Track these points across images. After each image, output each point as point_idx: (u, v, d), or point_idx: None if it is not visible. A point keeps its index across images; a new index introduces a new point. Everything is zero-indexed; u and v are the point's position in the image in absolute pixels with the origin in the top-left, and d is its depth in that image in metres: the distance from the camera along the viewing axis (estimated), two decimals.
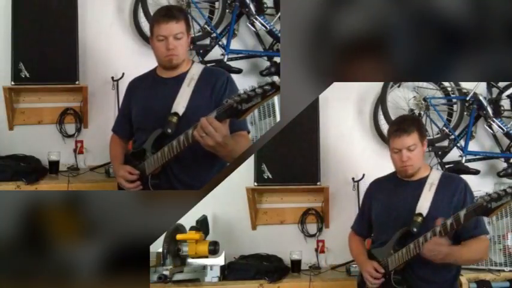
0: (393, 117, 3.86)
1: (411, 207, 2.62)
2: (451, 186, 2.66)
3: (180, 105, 2.54)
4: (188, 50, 2.69)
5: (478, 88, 3.98)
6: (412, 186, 2.68)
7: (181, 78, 2.60)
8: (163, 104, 2.56)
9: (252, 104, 2.22)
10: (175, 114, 2.53)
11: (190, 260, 3.41)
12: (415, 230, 2.56)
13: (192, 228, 3.37)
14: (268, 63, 3.87)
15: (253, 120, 3.76)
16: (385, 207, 2.73)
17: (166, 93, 2.59)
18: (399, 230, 2.62)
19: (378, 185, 2.87)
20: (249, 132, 2.67)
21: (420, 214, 2.58)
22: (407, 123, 2.68)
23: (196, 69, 2.63)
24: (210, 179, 2.64)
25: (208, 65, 3.80)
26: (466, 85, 4.01)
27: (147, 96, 2.65)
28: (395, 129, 2.68)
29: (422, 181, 2.67)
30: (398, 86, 3.97)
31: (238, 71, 3.84)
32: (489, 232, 2.79)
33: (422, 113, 3.96)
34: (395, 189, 2.73)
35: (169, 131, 2.51)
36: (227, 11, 3.87)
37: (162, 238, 3.22)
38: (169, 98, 2.57)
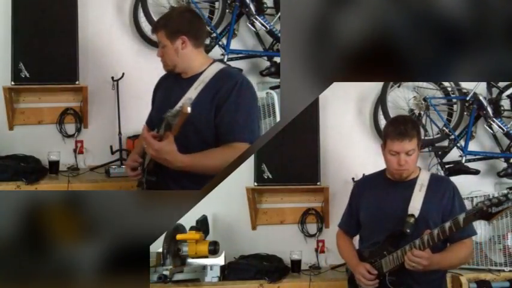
0: None
1: (403, 208, 2.59)
2: (441, 188, 2.64)
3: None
4: None
5: (478, 88, 3.98)
6: (402, 187, 2.65)
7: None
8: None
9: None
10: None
11: (190, 260, 3.41)
12: (408, 230, 2.53)
13: (192, 228, 3.37)
14: (268, 63, 3.87)
15: None
16: (376, 208, 2.69)
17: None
18: (391, 230, 2.60)
19: (365, 183, 2.85)
20: (249, 142, 2.47)
21: (412, 215, 2.55)
22: (409, 127, 2.60)
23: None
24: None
25: None
26: (466, 85, 4.01)
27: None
28: (397, 132, 2.59)
29: (412, 182, 2.64)
30: (398, 86, 3.97)
31: (239, 71, 3.83)
32: (477, 232, 2.76)
33: (422, 113, 3.96)
34: (385, 190, 2.69)
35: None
36: (227, 11, 3.87)
37: (162, 238, 3.22)
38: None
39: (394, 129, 2.61)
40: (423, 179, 2.65)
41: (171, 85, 2.59)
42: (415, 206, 2.58)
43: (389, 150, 2.60)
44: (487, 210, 2.28)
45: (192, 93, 2.47)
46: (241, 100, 2.45)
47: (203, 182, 2.53)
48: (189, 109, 2.19)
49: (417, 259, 2.46)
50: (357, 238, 2.87)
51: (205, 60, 2.57)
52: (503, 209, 2.26)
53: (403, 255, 2.52)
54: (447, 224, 2.41)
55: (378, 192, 2.71)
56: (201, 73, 2.52)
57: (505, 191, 2.36)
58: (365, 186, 2.83)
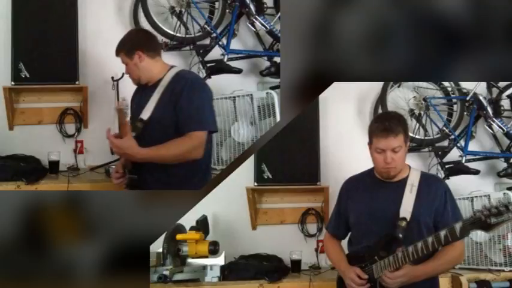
0: None
1: (394, 210, 2.51)
2: (432, 188, 2.55)
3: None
4: None
5: (478, 88, 3.97)
6: (392, 187, 2.56)
7: None
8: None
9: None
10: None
11: (190, 260, 3.41)
12: (400, 235, 2.45)
13: (192, 228, 3.37)
14: (268, 63, 3.87)
15: (253, 120, 3.76)
16: (365, 210, 2.60)
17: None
18: (382, 234, 2.52)
19: (353, 184, 2.73)
20: (205, 130, 2.73)
21: (404, 218, 2.47)
22: (395, 123, 2.50)
23: None
24: (185, 175, 2.78)
25: (208, 65, 3.81)
26: (466, 85, 4.01)
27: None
28: (381, 128, 2.49)
29: (402, 182, 2.56)
30: (398, 86, 3.97)
31: (238, 71, 3.84)
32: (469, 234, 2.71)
33: (422, 113, 3.96)
34: (374, 191, 2.60)
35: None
36: (227, 11, 3.86)
37: (162, 238, 3.22)
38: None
39: (378, 126, 2.53)
40: (413, 179, 2.56)
41: (140, 95, 2.90)
42: (407, 208, 2.50)
43: (375, 147, 2.51)
44: (485, 221, 2.18)
45: (155, 97, 2.80)
46: (192, 95, 2.74)
47: (172, 172, 2.76)
48: (119, 105, 2.74)
49: (397, 280, 2.42)
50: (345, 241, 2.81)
51: (163, 67, 2.88)
52: (503, 221, 2.15)
53: (395, 262, 2.45)
54: (442, 233, 2.33)
55: (368, 194, 2.62)
56: (161, 79, 2.83)
57: (505, 201, 2.22)
58: (353, 187, 2.72)
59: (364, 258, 2.57)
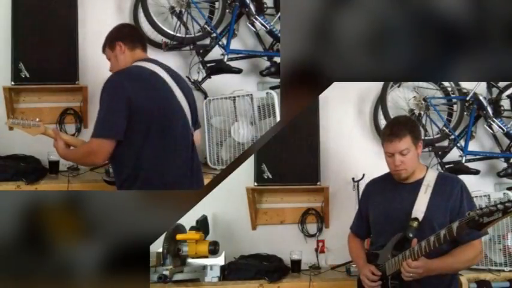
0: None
1: (407, 211, 2.60)
2: (447, 188, 2.63)
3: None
4: None
5: (478, 88, 3.97)
6: (408, 189, 2.66)
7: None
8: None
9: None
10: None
11: (190, 260, 3.41)
12: (411, 235, 2.54)
13: (192, 228, 3.37)
14: (268, 63, 3.87)
15: (253, 120, 3.76)
16: (382, 211, 2.72)
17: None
18: (396, 234, 2.61)
19: (374, 185, 2.86)
20: (100, 137, 2.72)
21: (416, 219, 2.56)
22: (400, 127, 2.64)
23: None
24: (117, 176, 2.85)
25: (208, 65, 3.81)
26: (466, 85, 4.01)
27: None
28: (388, 133, 2.66)
29: (418, 183, 2.65)
30: (398, 86, 3.97)
31: (238, 71, 3.83)
32: (488, 232, 2.74)
33: (422, 113, 3.96)
34: (391, 192, 2.71)
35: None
36: (227, 11, 3.86)
37: (162, 238, 3.22)
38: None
39: (385, 131, 2.72)
40: (429, 180, 2.65)
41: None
42: (420, 208, 2.58)
43: (386, 152, 2.67)
44: (478, 220, 2.24)
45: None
46: (100, 101, 2.77)
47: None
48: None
49: (413, 269, 2.46)
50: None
51: (133, 59, 2.87)
52: (494, 220, 2.22)
53: (404, 260, 2.51)
54: (442, 232, 2.39)
55: (385, 195, 2.73)
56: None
57: (498, 201, 2.29)
58: (373, 188, 2.85)
59: (379, 257, 2.66)
